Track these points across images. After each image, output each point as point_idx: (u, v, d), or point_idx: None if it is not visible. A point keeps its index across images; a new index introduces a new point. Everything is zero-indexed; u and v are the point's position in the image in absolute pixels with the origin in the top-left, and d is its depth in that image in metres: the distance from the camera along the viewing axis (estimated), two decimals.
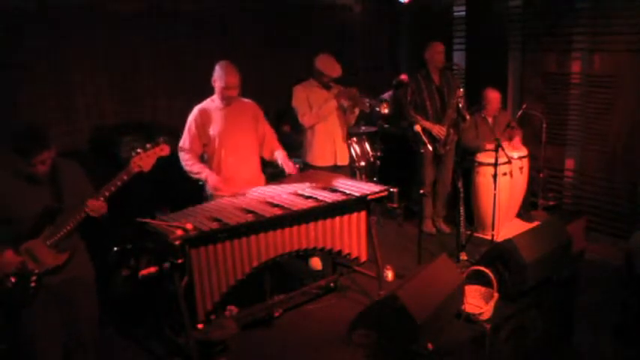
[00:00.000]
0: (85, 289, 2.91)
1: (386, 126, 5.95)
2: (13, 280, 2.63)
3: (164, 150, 2.88)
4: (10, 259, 2.61)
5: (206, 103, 3.91)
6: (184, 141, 3.86)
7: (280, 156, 4.04)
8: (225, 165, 3.89)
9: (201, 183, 3.93)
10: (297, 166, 3.96)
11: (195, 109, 3.88)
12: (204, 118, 3.85)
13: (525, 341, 3.17)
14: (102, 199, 2.73)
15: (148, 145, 2.84)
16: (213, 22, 5.29)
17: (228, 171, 3.89)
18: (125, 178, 2.76)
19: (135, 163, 2.78)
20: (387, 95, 5.79)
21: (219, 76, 3.79)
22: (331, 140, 4.58)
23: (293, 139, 5.12)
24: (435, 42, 5.08)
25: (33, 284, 2.66)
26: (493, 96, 5.21)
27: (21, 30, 4.23)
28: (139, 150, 2.81)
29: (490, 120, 5.23)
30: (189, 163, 3.83)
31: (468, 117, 5.05)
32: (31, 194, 2.67)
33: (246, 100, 4.03)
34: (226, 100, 3.85)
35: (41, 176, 2.67)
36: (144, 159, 2.80)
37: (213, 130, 3.85)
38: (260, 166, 4.11)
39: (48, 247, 2.68)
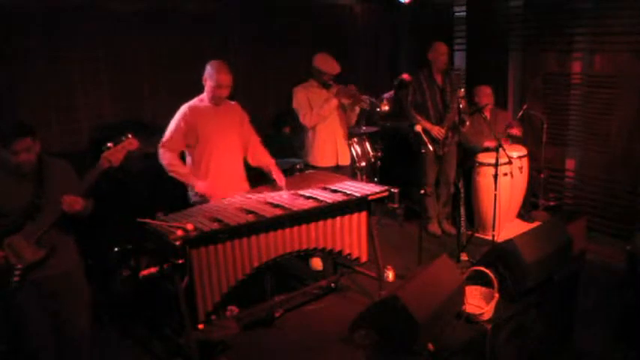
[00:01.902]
0: (72, 285, 2.94)
1: (388, 124, 5.92)
2: None
3: (132, 144, 2.89)
4: None
5: (195, 102, 3.77)
6: (167, 138, 3.69)
7: (272, 167, 3.92)
8: (213, 167, 3.77)
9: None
10: (285, 182, 3.90)
11: (186, 107, 3.73)
12: (196, 117, 3.70)
13: (526, 342, 3.17)
14: (78, 195, 2.76)
15: (118, 140, 2.86)
16: (213, 22, 5.29)
17: (216, 173, 3.76)
18: (96, 174, 2.80)
19: (105, 159, 2.81)
20: (388, 95, 5.79)
21: (210, 74, 3.68)
22: (333, 140, 4.57)
23: (294, 140, 5.12)
24: (438, 43, 5.04)
25: (16, 279, 2.70)
26: (488, 98, 5.21)
27: (21, 30, 4.22)
28: (109, 145, 2.84)
29: (488, 115, 5.22)
30: (173, 163, 3.67)
31: (467, 123, 4.89)
32: (15, 189, 2.72)
33: (232, 102, 3.93)
34: (216, 100, 3.74)
35: (26, 169, 2.71)
36: (113, 154, 2.82)
37: (203, 131, 3.71)
38: (244, 170, 3.98)
39: (28, 243, 2.72)
